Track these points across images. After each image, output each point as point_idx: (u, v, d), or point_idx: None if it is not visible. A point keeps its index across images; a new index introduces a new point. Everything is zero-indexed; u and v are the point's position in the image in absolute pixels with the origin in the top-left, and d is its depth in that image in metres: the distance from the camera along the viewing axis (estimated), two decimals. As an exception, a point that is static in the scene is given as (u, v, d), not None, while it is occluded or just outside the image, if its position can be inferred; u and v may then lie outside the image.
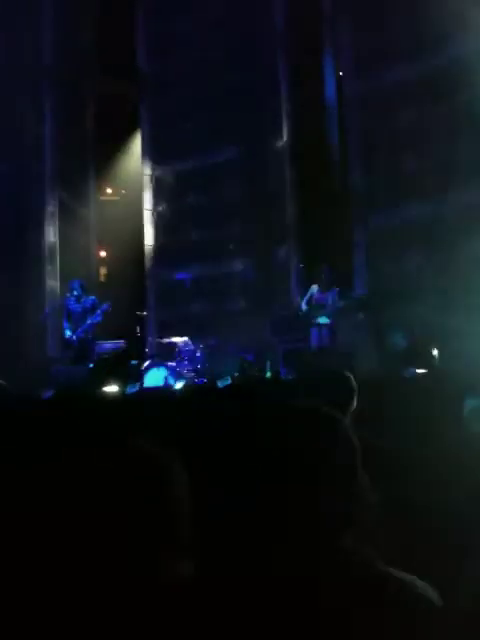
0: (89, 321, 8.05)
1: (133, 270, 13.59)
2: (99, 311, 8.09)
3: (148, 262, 13.23)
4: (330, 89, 11.50)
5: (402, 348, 6.97)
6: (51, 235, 12.40)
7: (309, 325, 7.66)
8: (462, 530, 2.01)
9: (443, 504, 2.25)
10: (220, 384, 7.40)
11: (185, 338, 10.02)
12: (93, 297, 8.26)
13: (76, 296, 8.18)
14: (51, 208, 12.46)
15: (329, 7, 11.32)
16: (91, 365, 8.13)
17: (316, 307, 7.70)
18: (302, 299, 8.17)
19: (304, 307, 7.82)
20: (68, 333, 8.19)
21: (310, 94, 11.58)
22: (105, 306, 8.13)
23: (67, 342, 8.31)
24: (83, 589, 1.32)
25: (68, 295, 8.34)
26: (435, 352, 6.64)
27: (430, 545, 2.03)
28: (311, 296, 7.83)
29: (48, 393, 7.52)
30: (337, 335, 7.63)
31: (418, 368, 5.19)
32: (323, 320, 7.59)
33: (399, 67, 10.65)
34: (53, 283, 12.24)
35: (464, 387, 3.41)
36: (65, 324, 8.22)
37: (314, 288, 7.84)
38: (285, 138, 11.73)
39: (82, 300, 8.18)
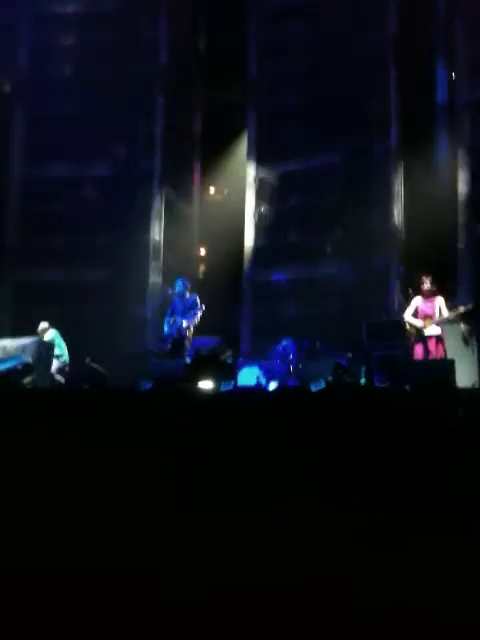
0: (179, 319, 8.27)
1: (231, 269, 13.85)
2: (193, 312, 8.27)
3: (246, 262, 13.41)
4: (441, 94, 11.24)
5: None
6: (156, 233, 12.85)
7: (417, 336, 7.50)
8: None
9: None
10: (313, 387, 7.44)
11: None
12: (195, 296, 8.48)
13: (179, 293, 8.44)
14: (158, 206, 12.91)
15: (443, 11, 11.07)
16: (188, 361, 8.36)
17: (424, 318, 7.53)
18: (403, 309, 8.01)
19: (410, 319, 7.66)
20: (166, 328, 8.47)
21: (419, 99, 11.36)
22: (192, 316, 8.24)
23: (164, 336, 8.61)
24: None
25: (171, 292, 8.63)
26: None
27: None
28: (416, 307, 7.67)
29: (148, 385, 7.85)
30: (446, 345, 7.42)
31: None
32: (432, 331, 7.42)
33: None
34: (156, 279, 12.68)
35: None
36: (167, 319, 8.52)
37: (418, 299, 7.68)
38: (392, 143, 11.57)
39: (185, 298, 8.43)
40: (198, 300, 8.42)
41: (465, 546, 1.62)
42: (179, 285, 8.52)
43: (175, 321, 8.42)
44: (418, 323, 7.56)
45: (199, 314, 8.37)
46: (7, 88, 13.50)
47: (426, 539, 1.46)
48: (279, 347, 9.77)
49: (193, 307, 8.36)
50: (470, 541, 1.63)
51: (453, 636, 1.28)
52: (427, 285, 7.66)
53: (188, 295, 8.50)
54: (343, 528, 1.68)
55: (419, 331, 7.54)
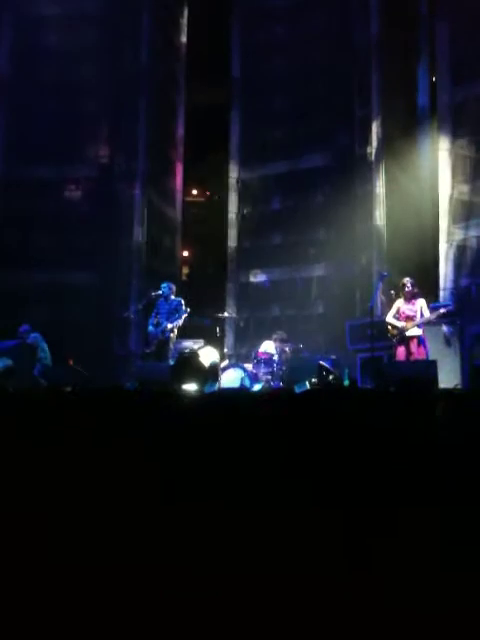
0: (164, 321, 8.32)
1: (214, 271, 13.87)
2: (177, 315, 8.34)
3: (230, 264, 13.43)
4: (423, 97, 11.34)
5: (487, 363, 6.80)
6: (139, 235, 12.80)
7: (399, 338, 7.53)
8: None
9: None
10: (297, 389, 7.45)
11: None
12: (179, 299, 8.55)
13: (164, 296, 8.49)
14: (140, 208, 12.86)
15: (426, 14, 11.17)
16: (171, 363, 8.38)
17: (406, 320, 7.57)
18: (386, 311, 8.07)
19: (391, 320, 7.69)
20: (151, 328, 8.52)
21: (402, 101, 11.45)
22: (177, 319, 8.29)
23: (149, 337, 8.65)
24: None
25: (154, 293, 8.67)
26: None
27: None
28: (397, 309, 7.70)
29: (130, 385, 7.84)
30: (428, 347, 7.47)
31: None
32: (414, 332, 7.46)
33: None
34: (139, 281, 12.63)
35: None
36: (151, 320, 8.58)
37: (400, 301, 7.72)
38: (375, 145, 11.63)
39: (169, 301, 8.49)
40: (183, 303, 8.47)
41: (451, 545, 1.63)
42: (164, 288, 8.58)
43: (159, 323, 8.45)
44: (399, 324, 7.61)
45: (183, 317, 8.42)
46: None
47: (411, 539, 1.46)
48: (262, 350, 9.79)
49: (178, 310, 8.40)
50: (455, 540, 1.64)
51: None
52: (408, 287, 7.70)
53: (173, 298, 8.55)
54: (330, 531, 1.68)
55: (401, 332, 7.59)
